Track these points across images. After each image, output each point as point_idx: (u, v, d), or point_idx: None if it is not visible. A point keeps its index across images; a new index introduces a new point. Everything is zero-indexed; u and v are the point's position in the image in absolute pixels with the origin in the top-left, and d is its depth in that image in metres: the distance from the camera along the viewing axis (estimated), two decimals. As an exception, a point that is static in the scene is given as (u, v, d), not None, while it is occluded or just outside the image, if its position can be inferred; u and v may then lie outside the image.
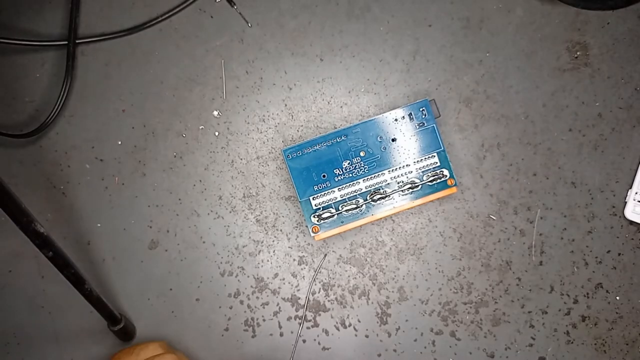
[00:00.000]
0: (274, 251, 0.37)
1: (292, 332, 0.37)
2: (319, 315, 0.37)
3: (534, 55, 0.37)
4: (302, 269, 0.37)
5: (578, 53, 0.37)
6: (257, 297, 0.37)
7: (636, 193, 0.36)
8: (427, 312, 0.37)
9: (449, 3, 0.37)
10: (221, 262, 0.37)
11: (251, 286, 0.37)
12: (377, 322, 0.37)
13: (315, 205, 0.35)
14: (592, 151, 0.37)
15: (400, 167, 0.35)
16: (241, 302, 0.37)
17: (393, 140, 0.35)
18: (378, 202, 0.35)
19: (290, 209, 0.37)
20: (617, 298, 0.36)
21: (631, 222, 0.36)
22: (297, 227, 0.37)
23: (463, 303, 0.37)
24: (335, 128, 0.37)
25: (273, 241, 0.37)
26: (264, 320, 0.37)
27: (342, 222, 0.35)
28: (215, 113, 0.37)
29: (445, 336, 0.37)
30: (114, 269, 0.38)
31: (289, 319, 0.37)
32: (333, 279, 0.37)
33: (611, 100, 0.37)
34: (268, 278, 0.37)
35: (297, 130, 0.37)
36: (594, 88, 0.37)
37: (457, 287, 0.37)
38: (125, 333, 0.35)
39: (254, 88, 0.37)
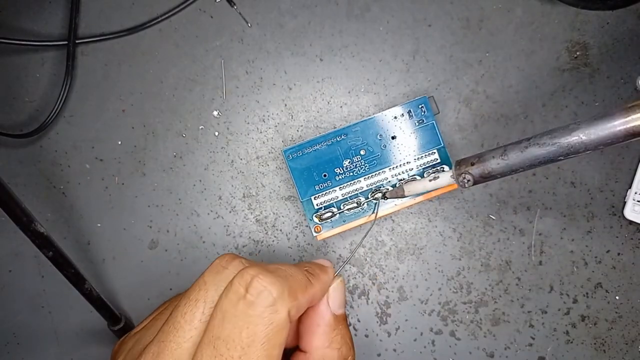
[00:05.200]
0: (273, 251, 0.37)
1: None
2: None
3: (533, 55, 0.37)
4: (302, 269, 0.37)
5: (578, 53, 0.37)
6: (257, 297, 0.37)
7: (635, 193, 0.36)
8: (426, 311, 0.37)
9: (449, 3, 0.37)
10: (221, 262, 0.37)
11: (251, 286, 0.37)
12: (377, 322, 0.37)
13: (316, 205, 0.35)
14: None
15: (400, 165, 0.35)
16: (241, 302, 0.37)
17: (393, 138, 0.35)
18: (379, 200, 0.35)
19: (290, 209, 0.37)
20: (617, 298, 0.36)
21: (630, 222, 0.36)
22: (297, 227, 0.37)
23: (463, 303, 0.37)
24: (335, 128, 0.37)
25: (273, 241, 0.37)
26: (264, 320, 0.37)
27: (344, 221, 0.35)
28: (215, 113, 0.37)
29: (445, 336, 0.37)
30: (114, 269, 0.38)
31: (289, 318, 0.37)
32: (333, 278, 0.37)
33: (611, 100, 0.37)
34: (268, 278, 0.37)
35: (297, 130, 0.37)
36: (594, 88, 0.37)
37: (457, 286, 0.37)
38: (125, 333, 0.35)
39: (253, 88, 0.37)
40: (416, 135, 0.35)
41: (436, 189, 0.31)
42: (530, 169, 0.26)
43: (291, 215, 0.37)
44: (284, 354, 0.22)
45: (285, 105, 0.37)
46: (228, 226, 0.37)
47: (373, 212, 0.34)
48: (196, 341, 0.19)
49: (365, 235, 0.35)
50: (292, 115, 0.37)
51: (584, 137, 0.23)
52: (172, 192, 0.37)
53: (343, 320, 0.24)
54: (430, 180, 0.30)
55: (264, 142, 0.37)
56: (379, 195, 0.34)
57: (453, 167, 0.28)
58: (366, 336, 0.37)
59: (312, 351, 0.23)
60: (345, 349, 0.24)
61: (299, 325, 0.24)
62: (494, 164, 0.26)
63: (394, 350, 0.37)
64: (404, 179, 0.35)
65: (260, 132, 0.37)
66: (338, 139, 0.35)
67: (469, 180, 0.27)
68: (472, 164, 0.27)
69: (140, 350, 0.21)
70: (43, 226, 0.28)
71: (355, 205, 0.35)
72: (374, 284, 0.37)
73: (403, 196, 0.33)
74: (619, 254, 0.36)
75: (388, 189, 0.35)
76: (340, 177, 0.35)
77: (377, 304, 0.37)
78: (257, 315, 0.19)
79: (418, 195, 0.34)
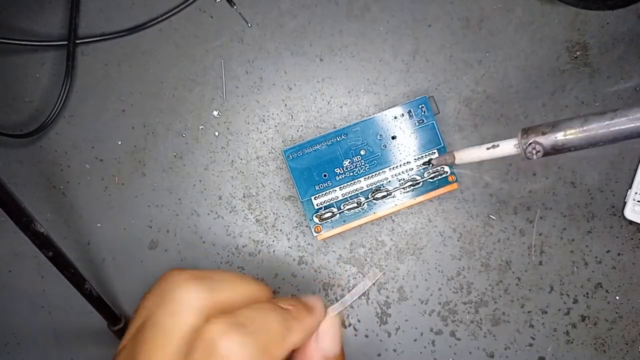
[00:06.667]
0: (273, 251, 0.37)
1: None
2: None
3: (533, 55, 0.37)
4: (302, 269, 0.37)
5: (578, 53, 0.37)
6: (257, 297, 0.37)
7: (636, 193, 0.36)
8: (427, 312, 0.37)
9: (449, 3, 0.37)
10: (221, 262, 0.37)
11: (251, 286, 0.37)
12: (377, 322, 0.37)
13: (317, 205, 0.35)
14: (591, 151, 0.37)
15: (401, 165, 0.35)
16: (241, 302, 0.37)
17: (393, 138, 0.35)
18: (380, 200, 0.35)
19: (290, 209, 0.37)
20: (617, 298, 0.36)
21: (631, 222, 0.36)
22: (297, 227, 0.37)
23: (463, 303, 0.37)
24: (335, 128, 0.37)
25: (273, 241, 0.37)
26: (264, 320, 0.37)
27: (345, 221, 0.35)
28: (215, 113, 0.37)
29: (445, 336, 0.37)
30: (114, 269, 0.38)
31: (289, 318, 0.37)
32: (333, 278, 0.37)
33: (611, 100, 0.37)
34: (268, 278, 0.37)
35: (297, 130, 0.37)
36: (594, 88, 0.37)
37: (457, 287, 0.37)
38: (125, 333, 0.35)
39: (253, 88, 0.37)
40: (416, 135, 0.35)
41: (492, 158, 0.28)
42: (611, 144, 0.23)
43: (291, 215, 0.37)
44: None
45: (285, 105, 0.37)
46: (228, 226, 0.37)
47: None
48: None
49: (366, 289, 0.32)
50: (292, 115, 0.37)
51: None
52: (172, 192, 0.37)
53: None
54: (487, 148, 0.27)
55: (264, 142, 0.37)
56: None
57: (519, 135, 0.25)
58: (366, 336, 0.37)
59: None
60: None
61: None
62: (571, 134, 0.24)
63: (394, 350, 0.37)
64: (404, 178, 0.35)
65: (260, 132, 0.37)
66: (338, 139, 0.35)
67: (538, 152, 0.25)
68: (544, 133, 0.24)
69: None
70: (43, 226, 0.28)
71: (355, 205, 0.35)
72: (374, 284, 0.37)
73: (453, 164, 0.30)
74: (619, 254, 0.36)
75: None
76: (340, 177, 0.35)
77: (377, 304, 0.37)
78: None
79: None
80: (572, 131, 0.24)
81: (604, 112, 0.23)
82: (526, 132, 0.25)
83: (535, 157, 0.25)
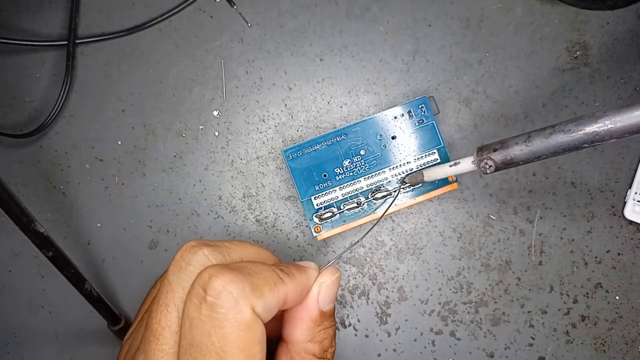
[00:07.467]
0: (273, 251, 0.37)
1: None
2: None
3: (533, 55, 0.37)
4: (302, 269, 0.37)
5: (578, 53, 0.37)
6: (257, 297, 0.37)
7: (636, 193, 0.36)
8: (426, 311, 0.37)
9: (449, 3, 0.37)
10: (221, 262, 0.37)
11: (251, 286, 0.37)
12: (377, 322, 0.37)
13: (316, 205, 0.35)
14: (591, 151, 0.37)
15: (401, 165, 0.35)
16: (241, 302, 0.37)
17: (393, 138, 0.35)
18: (380, 200, 0.35)
19: (290, 209, 0.37)
20: (617, 298, 0.36)
21: (631, 222, 0.36)
22: (297, 227, 0.37)
23: (463, 303, 0.37)
24: (335, 128, 0.37)
25: (273, 241, 0.37)
26: (264, 320, 0.37)
27: (344, 221, 0.35)
28: (215, 113, 0.37)
29: (445, 336, 0.37)
30: (114, 269, 0.38)
31: (289, 318, 0.37)
32: (333, 278, 0.37)
33: (610, 100, 0.37)
34: (268, 278, 0.37)
35: (297, 130, 0.37)
36: (594, 88, 0.37)
37: (457, 286, 0.37)
38: (125, 333, 0.35)
39: (253, 88, 0.37)
40: (416, 135, 0.35)
41: (456, 174, 0.31)
42: (554, 156, 0.25)
43: (291, 215, 0.37)
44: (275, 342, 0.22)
45: (285, 105, 0.37)
46: (228, 226, 0.37)
47: (392, 203, 0.35)
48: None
49: (377, 221, 0.34)
50: (292, 115, 0.37)
51: (610, 125, 0.23)
52: (172, 192, 0.37)
53: (330, 315, 0.23)
54: (450, 166, 0.30)
55: (264, 142, 0.37)
56: (387, 191, 0.34)
57: (475, 153, 0.28)
58: (366, 336, 0.37)
59: (293, 344, 0.22)
60: (327, 343, 0.23)
61: (283, 312, 0.23)
62: (517, 150, 0.26)
63: (394, 350, 0.37)
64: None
65: (260, 132, 0.37)
66: (338, 139, 0.35)
67: (490, 166, 0.27)
68: (495, 150, 0.27)
69: (132, 355, 0.21)
70: (43, 226, 0.28)
71: (355, 205, 0.35)
72: (374, 284, 0.37)
73: (422, 181, 0.33)
74: (619, 254, 0.36)
75: (407, 174, 0.35)
76: (340, 177, 0.35)
77: (377, 304, 0.37)
78: (221, 317, 0.17)
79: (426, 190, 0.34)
80: (518, 147, 0.26)
81: (544, 128, 0.25)
82: (480, 149, 0.28)
83: (488, 171, 0.27)
